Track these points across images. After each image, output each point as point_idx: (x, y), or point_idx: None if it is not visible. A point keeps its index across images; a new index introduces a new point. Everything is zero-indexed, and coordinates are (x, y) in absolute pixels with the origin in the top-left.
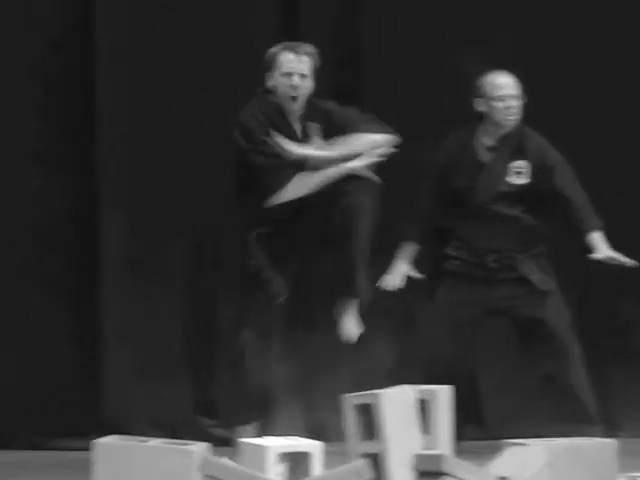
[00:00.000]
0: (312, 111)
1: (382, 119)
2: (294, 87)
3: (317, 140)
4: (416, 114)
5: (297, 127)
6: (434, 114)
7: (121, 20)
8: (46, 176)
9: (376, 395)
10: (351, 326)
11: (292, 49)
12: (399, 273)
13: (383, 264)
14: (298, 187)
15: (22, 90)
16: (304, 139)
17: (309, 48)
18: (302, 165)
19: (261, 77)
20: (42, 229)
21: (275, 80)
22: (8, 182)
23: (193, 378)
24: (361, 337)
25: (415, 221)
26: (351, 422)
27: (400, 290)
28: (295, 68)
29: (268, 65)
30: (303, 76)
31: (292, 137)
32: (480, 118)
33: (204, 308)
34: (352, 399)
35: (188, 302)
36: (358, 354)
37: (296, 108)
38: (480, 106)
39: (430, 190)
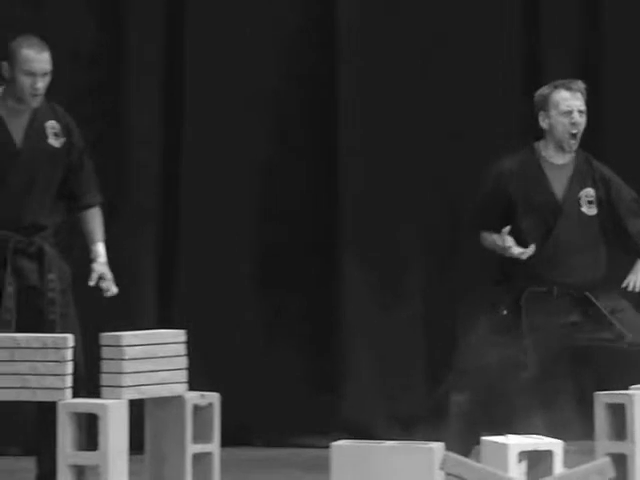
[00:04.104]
0: (586, 170)
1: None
2: (574, 124)
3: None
4: None
5: (561, 184)
6: None
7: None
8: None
9: (629, 395)
10: None
11: (566, 87)
12: None
13: (625, 264)
14: None
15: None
16: (568, 204)
17: (581, 84)
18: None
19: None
20: (282, 244)
21: (552, 119)
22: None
23: (430, 377)
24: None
25: None
26: (601, 420)
27: None
28: (573, 105)
29: (541, 105)
30: (580, 112)
31: (550, 201)
32: None
33: (442, 312)
34: (604, 397)
35: (426, 304)
36: (595, 352)
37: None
38: None
39: None
